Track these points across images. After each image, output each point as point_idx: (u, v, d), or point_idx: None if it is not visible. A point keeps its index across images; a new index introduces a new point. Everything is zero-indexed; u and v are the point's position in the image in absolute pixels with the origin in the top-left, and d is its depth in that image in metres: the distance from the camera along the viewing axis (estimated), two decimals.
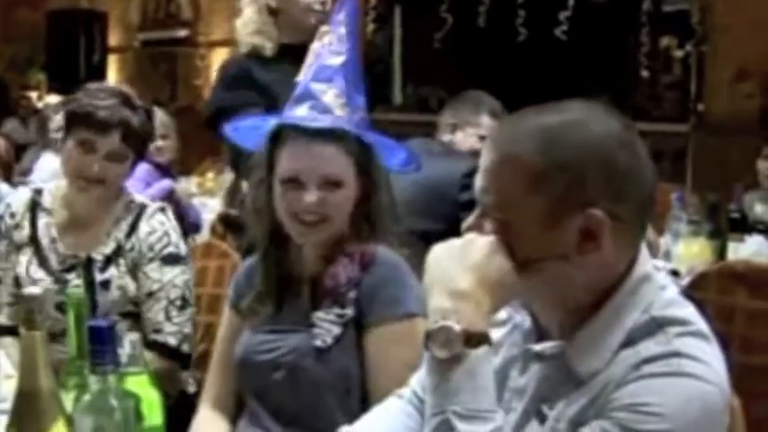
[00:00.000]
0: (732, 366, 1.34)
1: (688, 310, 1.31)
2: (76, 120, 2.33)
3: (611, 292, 1.31)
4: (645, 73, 5.29)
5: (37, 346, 1.26)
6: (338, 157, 1.91)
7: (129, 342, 1.49)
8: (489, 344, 1.27)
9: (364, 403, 1.84)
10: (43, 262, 2.38)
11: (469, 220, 1.36)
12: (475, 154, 3.54)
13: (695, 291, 2.88)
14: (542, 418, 1.34)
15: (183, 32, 8.22)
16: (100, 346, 1.34)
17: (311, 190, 1.89)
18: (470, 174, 3.23)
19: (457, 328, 1.23)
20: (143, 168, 4.55)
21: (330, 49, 1.99)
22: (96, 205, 2.41)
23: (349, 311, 1.91)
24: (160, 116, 4.36)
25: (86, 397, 1.37)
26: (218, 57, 8.42)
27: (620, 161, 1.28)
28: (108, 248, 2.38)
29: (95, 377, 1.36)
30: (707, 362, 1.24)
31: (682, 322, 1.28)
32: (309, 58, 2.07)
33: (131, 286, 2.34)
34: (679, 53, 5.79)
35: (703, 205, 4.09)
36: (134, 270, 2.35)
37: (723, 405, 1.26)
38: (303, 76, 2.02)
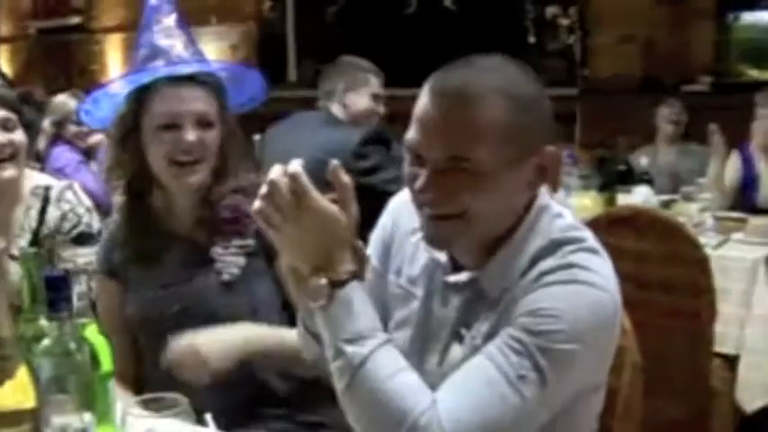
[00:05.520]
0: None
1: (583, 232, 1.47)
2: None
3: (516, 225, 1.46)
4: (532, 39, 5.50)
5: None
6: (206, 99, 2.00)
7: (76, 293, 1.54)
8: (358, 279, 1.41)
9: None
10: None
11: (422, 179, 1.41)
12: (370, 114, 3.69)
13: None
14: (460, 339, 1.49)
15: (75, 19, 8.15)
16: (56, 294, 1.42)
17: (189, 130, 1.97)
18: (366, 143, 3.39)
19: (322, 281, 1.39)
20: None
21: (161, 7, 2.07)
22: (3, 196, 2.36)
23: (251, 241, 2.00)
24: None
25: (45, 342, 1.44)
26: (113, 42, 8.38)
27: (548, 101, 1.46)
28: (24, 241, 2.33)
29: (53, 324, 1.43)
30: (598, 272, 1.40)
31: (576, 240, 1.43)
32: (143, 21, 2.11)
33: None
34: (564, 20, 6.04)
35: (592, 161, 4.34)
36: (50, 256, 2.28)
37: (613, 309, 1.42)
38: (143, 38, 2.07)
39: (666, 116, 5.07)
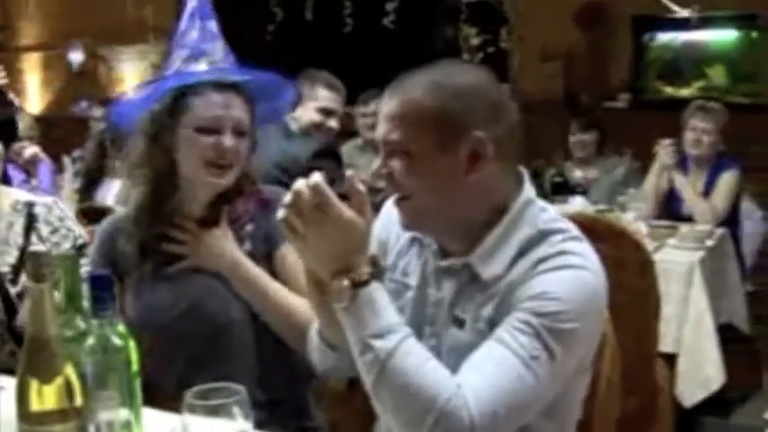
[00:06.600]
0: None
1: (566, 223, 1.62)
2: None
3: (501, 213, 1.60)
4: (466, 56, 5.70)
5: (45, 297, 1.37)
6: (243, 107, 2.05)
7: None
8: (376, 278, 1.51)
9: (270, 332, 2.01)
10: None
11: (377, 165, 1.60)
12: (317, 127, 3.75)
13: None
14: (460, 323, 1.61)
15: None
16: (101, 293, 1.46)
17: (228, 135, 2.00)
18: (316, 156, 3.44)
19: (344, 283, 1.49)
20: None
21: (203, 12, 2.11)
22: None
23: (247, 246, 2.06)
24: (29, 120, 4.42)
25: (90, 340, 1.47)
26: (32, 61, 8.25)
27: (493, 92, 1.60)
28: (12, 257, 2.29)
29: (95, 323, 1.46)
30: (586, 257, 1.55)
31: (562, 231, 1.58)
32: (184, 21, 2.13)
33: None
34: (487, 38, 6.24)
35: (527, 172, 4.48)
36: None
37: (602, 289, 1.57)
38: (184, 40, 2.09)
39: (572, 142, 5.25)
